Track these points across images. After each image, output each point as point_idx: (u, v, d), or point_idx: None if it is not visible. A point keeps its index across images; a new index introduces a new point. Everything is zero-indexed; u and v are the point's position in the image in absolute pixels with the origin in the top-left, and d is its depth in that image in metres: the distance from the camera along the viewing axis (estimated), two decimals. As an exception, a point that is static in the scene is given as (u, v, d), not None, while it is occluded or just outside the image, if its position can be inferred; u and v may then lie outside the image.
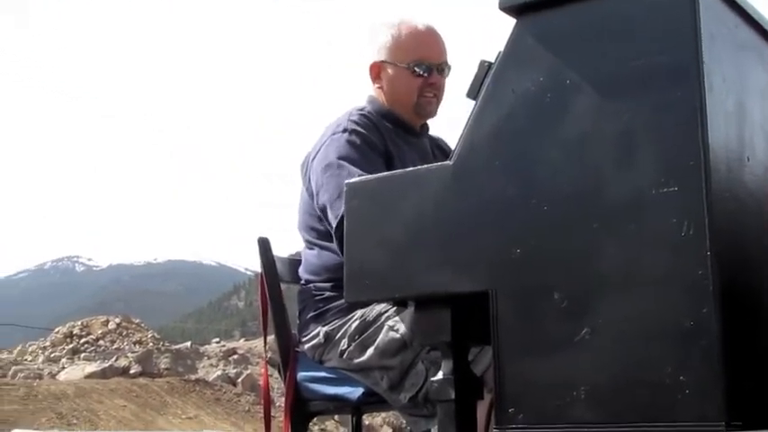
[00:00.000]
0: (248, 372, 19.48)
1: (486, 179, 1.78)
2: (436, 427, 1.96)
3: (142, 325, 22.22)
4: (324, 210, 2.61)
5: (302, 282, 2.79)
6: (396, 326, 2.46)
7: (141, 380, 17.07)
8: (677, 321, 1.53)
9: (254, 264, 2.91)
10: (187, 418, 15.52)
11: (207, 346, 22.62)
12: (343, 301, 2.53)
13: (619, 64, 1.67)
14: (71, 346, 19.83)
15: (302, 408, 2.70)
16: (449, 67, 2.83)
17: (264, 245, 2.81)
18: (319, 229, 2.70)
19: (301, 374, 2.69)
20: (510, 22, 1.82)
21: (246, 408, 17.20)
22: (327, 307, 2.65)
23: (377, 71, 2.84)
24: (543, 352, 1.66)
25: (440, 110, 2.87)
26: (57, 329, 21.60)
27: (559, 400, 1.62)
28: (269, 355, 3.02)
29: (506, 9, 1.80)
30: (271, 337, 2.83)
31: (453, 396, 1.87)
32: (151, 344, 20.10)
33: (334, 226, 2.52)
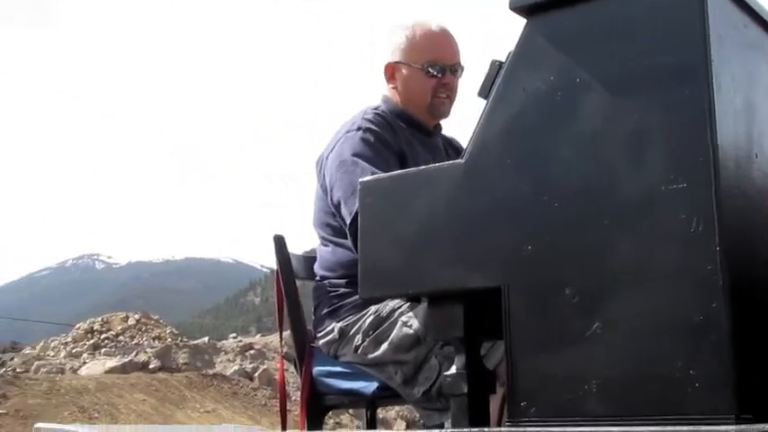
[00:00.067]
0: (264, 366, 19.53)
1: (497, 177, 1.78)
2: (449, 420, 1.96)
3: (161, 321, 22.31)
4: (338, 206, 2.61)
5: (317, 278, 2.79)
6: (409, 321, 2.46)
7: (160, 374, 17.13)
8: (687, 316, 1.52)
9: (269, 261, 2.91)
10: (205, 411, 15.57)
11: (224, 342, 22.69)
12: (357, 297, 2.53)
13: (628, 63, 1.66)
14: (92, 341, 19.92)
15: (318, 402, 2.70)
16: (462, 68, 2.83)
17: (280, 242, 2.81)
18: (334, 226, 2.70)
19: (317, 369, 2.69)
20: (520, 22, 1.81)
21: (263, 402, 17.25)
22: (342, 303, 2.65)
23: (391, 71, 2.84)
24: (555, 346, 1.66)
25: (452, 109, 2.87)
26: (78, 325, 21.70)
27: (571, 394, 1.62)
28: (285, 351, 3.02)
29: (517, 9, 1.80)
30: (287, 333, 2.83)
31: (466, 390, 1.86)
32: (170, 339, 20.17)
33: (348, 222, 2.53)
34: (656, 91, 1.62)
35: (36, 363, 18.31)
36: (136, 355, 18.24)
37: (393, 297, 2.39)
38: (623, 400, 1.57)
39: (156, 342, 19.74)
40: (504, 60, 1.83)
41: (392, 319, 2.51)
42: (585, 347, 1.62)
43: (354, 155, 2.60)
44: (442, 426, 2.34)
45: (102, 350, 19.33)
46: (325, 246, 2.77)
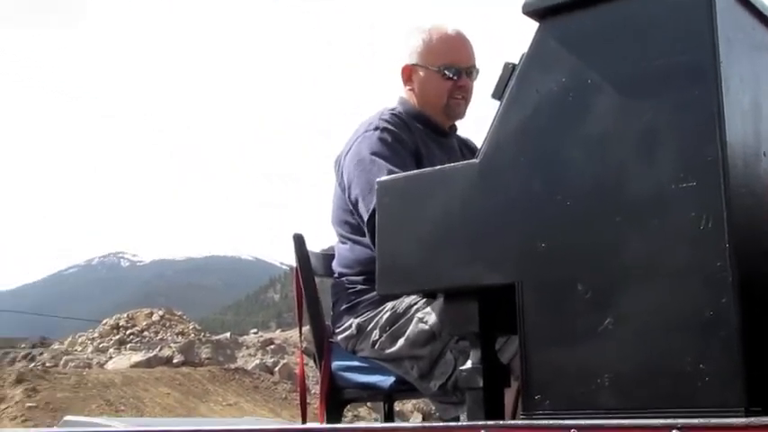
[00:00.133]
0: (285, 361, 19.57)
1: (511, 176, 1.78)
2: (465, 413, 1.96)
3: (184, 317, 22.39)
4: (356, 203, 2.61)
5: (335, 275, 2.79)
6: (425, 318, 2.46)
7: (184, 369, 17.20)
8: (697, 312, 1.52)
9: (289, 258, 2.92)
10: (228, 404, 15.62)
11: (245, 337, 22.75)
12: (374, 293, 2.53)
13: (638, 64, 1.66)
14: (118, 337, 20.03)
15: (337, 395, 2.71)
16: (477, 71, 2.83)
17: (299, 241, 2.81)
18: (352, 224, 2.70)
19: (335, 364, 2.69)
20: (533, 25, 1.81)
21: (283, 395, 17.28)
22: (359, 299, 2.65)
23: (408, 74, 2.84)
24: (568, 341, 1.65)
25: (467, 111, 2.87)
26: (104, 321, 21.82)
27: (584, 388, 1.62)
28: (304, 345, 3.03)
29: (529, 13, 1.80)
30: (306, 329, 2.83)
31: (482, 384, 1.86)
32: (193, 335, 20.25)
33: (365, 219, 2.53)
34: (665, 92, 1.62)
35: (64, 357, 18.43)
36: (160, 349, 18.32)
37: (410, 293, 2.40)
38: (635, 393, 1.57)
39: (180, 337, 19.82)
40: (517, 63, 1.83)
41: (408, 315, 2.51)
42: (598, 342, 1.62)
43: (372, 154, 2.60)
44: (457, 419, 2.34)
45: (128, 345, 19.43)
46: (344, 243, 2.77)
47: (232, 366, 18.35)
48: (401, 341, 2.50)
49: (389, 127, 2.67)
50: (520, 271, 1.73)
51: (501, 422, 1.77)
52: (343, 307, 2.69)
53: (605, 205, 1.64)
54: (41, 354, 19.48)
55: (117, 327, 20.61)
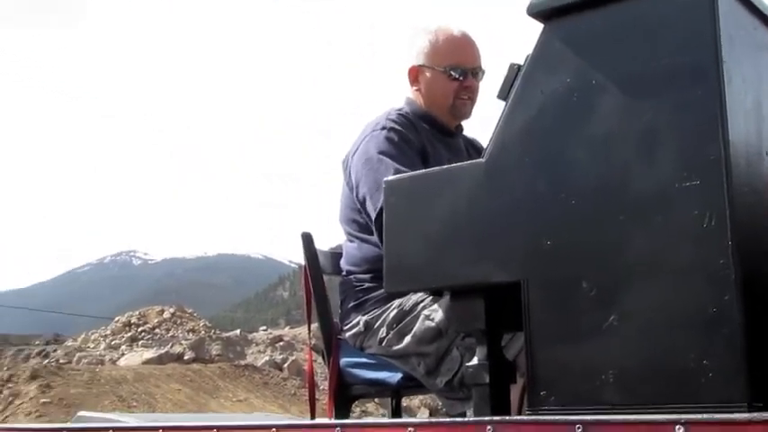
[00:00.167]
0: (293, 358, 19.57)
1: (517, 175, 1.78)
2: (471, 409, 1.96)
3: (195, 314, 22.41)
4: (363, 202, 2.62)
5: (343, 273, 2.80)
6: (431, 315, 2.46)
7: (195, 365, 17.22)
8: (701, 309, 1.52)
9: (298, 257, 2.92)
10: (238, 400, 15.63)
11: (255, 334, 22.77)
12: (381, 291, 2.53)
13: (642, 65, 1.66)
14: (130, 334, 20.06)
15: (345, 391, 2.71)
16: (482, 72, 2.83)
17: (308, 239, 2.81)
18: (360, 222, 2.71)
19: (343, 360, 2.69)
20: (532, 26, 1.81)
21: (292, 391, 17.29)
22: (367, 297, 2.65)
23: (415, 74, 2.84)
24: (573, 338, 1.65)
25: (473, 111, 2.87)
26: (116, 319, 21.86)
27: (589, 384, 1.61)
28: (313, 342, 3.03)
29: (534, 14, 1.80)
30: (314, 326, 2.84)
31: (488, 380, 1.86)
32: (203, 332, 20.27)
33: (373, 217, 2.54)
34: (669, 91, 1.61)
35: (78, 354, 18.47)
36: (171, 346, 18.35)
37: (417, 291, 2.40)
38: (639, 389, 1.57)
39: (191, 334, 19.84)
40: (522, 63, 1.83)
41: (415, 312, 2.51)
42: (602, 339, 1.61)
43: (379, 153, 2.61)
44: (464, 414, 2.34)
45: (140, 342, 19.46)
46: (351, 242, 2.78)
47: (242, 363, 18.36)
48: (408, 338, 2.50)
49: (396, 127, 2.68)
50: (525, 269, 1.73)
51: (507, 417, 1.76)
52: (351, 304, 2.69)
53: (610, 204, 1.64)
54: (55, 350, 19.52)
55: (129, 324, 20.64)
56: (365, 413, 15.94)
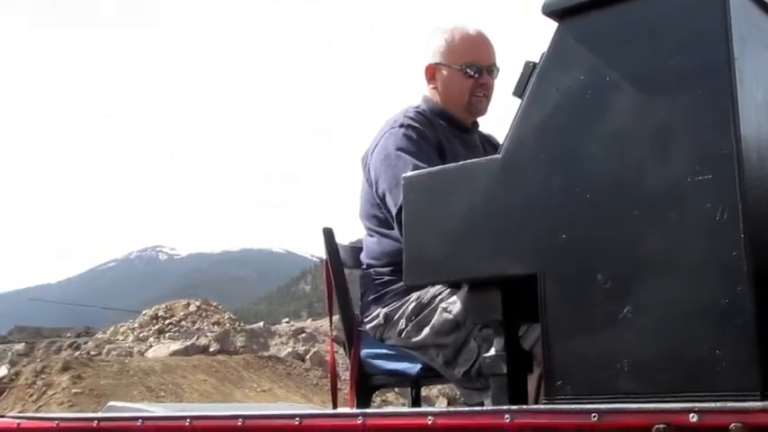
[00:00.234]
0: (315, 349, 19.60)
1: (532, 171, 1.77)
2: (489, 398, 1.96)
3: (220, 307, 22.49)
4: (383, 197, 2.62)
5: (363, 267, 2.80)
6: (449, 307, 2.46)
7: (220, 357, 17.28)
8: (714, 300, 1.51)
9: (319, 251, 2.93)
10: (262, 390, 15.68)
11: (278, 326, 22.82)
12: (400, 284, 2.53)
13: (655, 62, 1.65)
14: (157, 326, 20.16)
15: (366, 381, 2.71)
16: (497, 69, 2.83)
17: (329, 234, 2.82)
18: (379, 217, 2.71)
19: (364, 351, 2.70)
20: (552, 25, 1.80)
21: (315, 381, 17.31)
22: (386, 290, 2.66)
23: (431, 72, 2.84)
24: (588, 329, 1.65)
25: (489, 108, 2.86)
26: (144, 312, 21.98)
27: (604, 373, 1.61)
28: (334, 334, 3.04)
29: (549, 13, 1.80)
30: (336, 318, 2.84)
31: (505, 370, 1.86)
32: (228, 324, 20.34)
33: (394, 212, 2.54)
34: (682, 88, 1.61)
35: (107, 346, 18.59)
36: (197, 338, 18.42)
37: (435, 284, 2.40)
38: (654, 378, 1.56)
39: (216, 327, 19.91)
40: (537, 61, 1.82)
41: (433, 305, 2.52)
42: (617, 330, 1.61)
43: (398, 149, 2.61)
44: (482, 404, 2.33)
45: (167, 334, 19.55)
46: (371, 236, 2.78)
47: (266, 354, 18.40)
48: (426, 330, 2.51)
49: (414, 124, 2.68)
50: (542, 262, 1.72)
51: (524, 407, 1.76)
52: (371, 297, 2.69)
53: (624, 199, 1.64)
54: (86, 343, 19.65)
55: (156, 317, 20.75)
56: (385, 402, 15.95)
